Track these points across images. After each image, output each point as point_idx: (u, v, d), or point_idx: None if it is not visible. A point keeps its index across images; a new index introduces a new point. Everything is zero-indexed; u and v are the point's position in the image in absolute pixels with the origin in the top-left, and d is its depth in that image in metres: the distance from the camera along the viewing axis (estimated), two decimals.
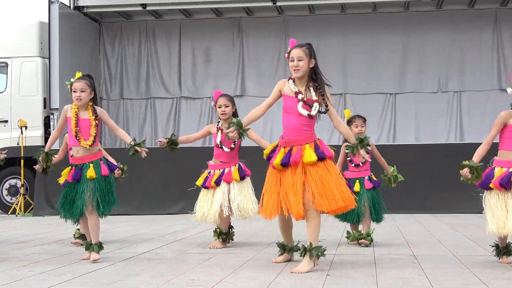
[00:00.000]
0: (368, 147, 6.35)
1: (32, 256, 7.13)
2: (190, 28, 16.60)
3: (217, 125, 8.02)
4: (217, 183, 7.82)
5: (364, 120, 7.96)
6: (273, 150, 6.26)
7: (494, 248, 6.49)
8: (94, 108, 6.92)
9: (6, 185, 14.38)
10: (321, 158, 6.05)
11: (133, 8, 15.86)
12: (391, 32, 15.98)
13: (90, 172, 6.69)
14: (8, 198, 14.33)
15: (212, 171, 7.97)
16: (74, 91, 6.86)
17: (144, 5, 15.50)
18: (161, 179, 12.91)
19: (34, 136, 13.80)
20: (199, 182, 8.09)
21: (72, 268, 6.21)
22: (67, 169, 6.94)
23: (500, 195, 6.19)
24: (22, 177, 13.68)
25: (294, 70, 6.20)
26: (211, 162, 8.07)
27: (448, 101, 15.74)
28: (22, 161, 13.61)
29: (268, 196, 6.19)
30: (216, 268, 6.14)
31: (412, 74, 15.92)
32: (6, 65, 14.53)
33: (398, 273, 5.77)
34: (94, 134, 6.84)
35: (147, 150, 6.88)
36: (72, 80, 7.05)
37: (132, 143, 6.91)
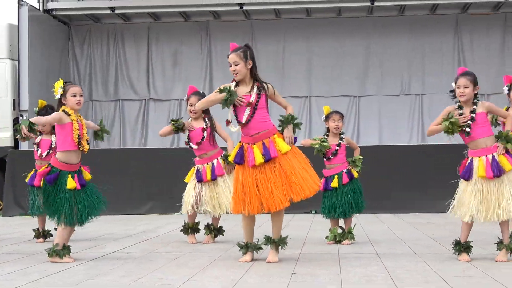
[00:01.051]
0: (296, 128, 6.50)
1: (0, 256, 7.06)
2: (158, 31, 16.58)
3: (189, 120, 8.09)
4: (213, 178, 7.94)
5: (342, 116, 7.99)
6: (241, 150, 6.32)
7: (454, 245, 6.53)
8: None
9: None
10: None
11: (102, 11, 15.85)
12: (355, 36, 16.07)
13: (71, 184, 6.60)
14: None
15: (201, 166, 7.99)
16: (74, 95, 6.83)
17: (112, 8, 15.49)
18: (130, 181, 12.83)
19: (3, 137, 13.66)
20: (187, 179, 8.15)
21: (41, 268, 6.15)
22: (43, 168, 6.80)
23: (479, 184, 6.23)
24: None
25: (234, 74, 6.40)
26: (197, 158, 8.11)
27: (410, 103, 15.88)
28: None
29: (248, 195, 6.24)
30: (184, 267, 6.12)
31: (375, 77, 16.03)
32: None
33: (361, 271, 5.79)
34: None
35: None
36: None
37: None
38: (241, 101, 6.30)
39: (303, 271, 5.82)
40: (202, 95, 8.07)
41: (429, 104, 15.72)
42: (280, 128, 6.43)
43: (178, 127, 7.99)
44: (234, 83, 6.45)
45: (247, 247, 6.55)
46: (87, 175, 6.86)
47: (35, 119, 6.72)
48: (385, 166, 12.17)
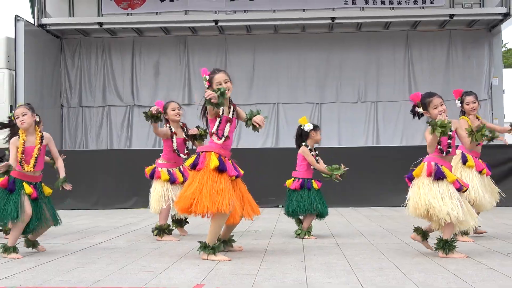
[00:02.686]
0: None
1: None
2: (142, 44, 16.52)
3: (171, 130, 7.85)
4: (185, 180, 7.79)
5: (319, 129, 7.98)
6: (222, 161, 6.12)
7: (413, 229, 6.42)
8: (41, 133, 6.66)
9: None
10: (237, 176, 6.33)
11: (91, 26, 15.77)
12: (317, 49, 16.13)
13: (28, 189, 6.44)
14: None
15: (171, 169, 7.81)
16: (17, 117, 6.55)
17: (100, 24, 15.45)
18: (115, 178, 12.78)
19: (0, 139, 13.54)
20: (164, 177, 7.75)
21: (35, 258, 6.13)
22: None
23: (445, 185, 6.07)
24: None
25: (228, 90, 6.31)
26: (159, 161, 7.88)
27: (366, 110, 15.96)
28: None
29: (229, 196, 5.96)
30: (165, 256, 6.13)
31: (335, 86, 16.09)
32: None
33: (323, 259, 5.83)
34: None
35: (71, 186, 6.64)
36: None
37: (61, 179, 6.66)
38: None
39: (271, 259, 5.85)
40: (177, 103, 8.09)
41: (383, 110, 15.83)
42: (248, 121, 6.61)
43: (150, 116, 7.70)
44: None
45: (225, 242, 6.42)
46: (47, 190, 6.62)
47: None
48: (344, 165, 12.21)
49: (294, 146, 7.97)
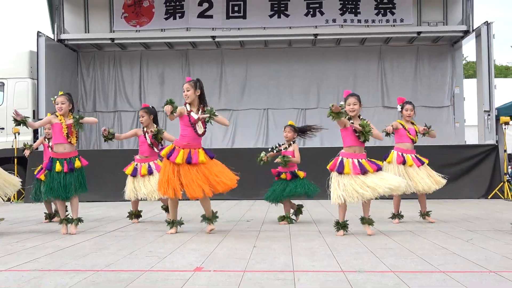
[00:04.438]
0: None
1: (23, 234, 6.99)
2: (149, 57, 16.51)
3: (143, 130, 8.24)
4: (149, 172, 8.09)
5: (292, 127, 8.17)
6: (172, 150, 6.68)
7: (335, 224, 6.75)
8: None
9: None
10: (211, 157, 6.73)
11: (104, 41, 15.80)
12: (302, 62, 16.17)
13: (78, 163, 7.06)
14: None
15: (139, 164, 8.19)
16: (57, 104, 7.12)
17: (112, 39, 15.49)
18: (125, 174, 12.69)
19: (25, 140, 13.49)
20: (128, 171, 8.31)
21: (55, 244, 6.11)
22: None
23: (352, 178, 6.45)
24: (15, 172, 13.35)
25: (185, 98, 6.78)
26: (137, 157, 8.28)
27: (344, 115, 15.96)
28: (15, 159, 13.37)
29: (168, 182, 6.58)
30: (169, 242, 6.12)
31: (317, 94, 16.13)
32: (3, 84, 14.26)
33: (307, 245, 5.84)
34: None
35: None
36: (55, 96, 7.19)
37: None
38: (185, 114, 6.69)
39: (262, 245, 5.85)
40: (151, 109, 8.37)
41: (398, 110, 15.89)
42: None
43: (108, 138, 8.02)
44: (187, 105, 6.79)
45: (173, 223, 6.92)
46: (77, 163, 7.05)
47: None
48: (325, 163, 12.23)
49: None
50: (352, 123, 6.65)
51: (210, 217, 6.93)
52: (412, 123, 8.07)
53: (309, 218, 8.43)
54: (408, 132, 7.92)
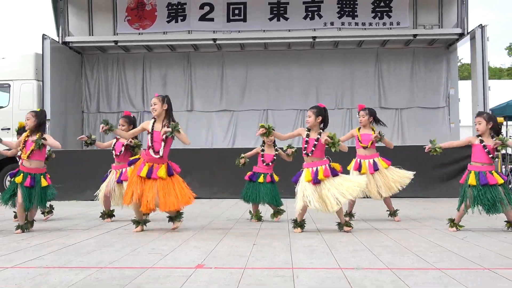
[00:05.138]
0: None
1: (28, 232, 6.99)
2: (151, 59, 16.50)
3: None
4: (118, 181, 8.12)
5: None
6: (135, 160, 6.97)
7: (293, 222, 6.86)
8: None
9: (8, 178, 14.08)
10: (170, 174, 6.77)
11: (108, 43, 15.78)
12: (301, 64, 16.16)
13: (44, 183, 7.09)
14: None
15: (113, 171, 8.28)
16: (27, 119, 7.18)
17: (116, 42, 15.47)
18: None
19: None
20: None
21: (60, 241, 6.11)
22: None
23: (312, 187, 6.56)
24: None
25: (152, 111, 6.93)
26: (114, 164, 8.33)
27: (343, 116, 15.99)
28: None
29: (132, 189, 6.73)
30: (171, 240, 6.12)
31: (316, 95, 16.10)
32: (9, 86, 14.25)
33: (306, 242, 5.84)
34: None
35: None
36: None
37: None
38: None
39: (262, 242, 5.86)
40: (131, 118, 8.46)
41: (357, 116, 15.86)
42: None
43: (90, 142, 8.14)
44: (153, 120, 6.95)
45: (138, 222, 7.02)
46: (44, 182, 7.07)
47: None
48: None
49: (281, 146, 8.13)
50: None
51: (175, 217, 7.04)
52: (372, 129, 8.02)
53: (307, 217, 8.42)
54: (359, 139, 7.93)
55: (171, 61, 16.42)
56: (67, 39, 15.42)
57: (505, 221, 6.85)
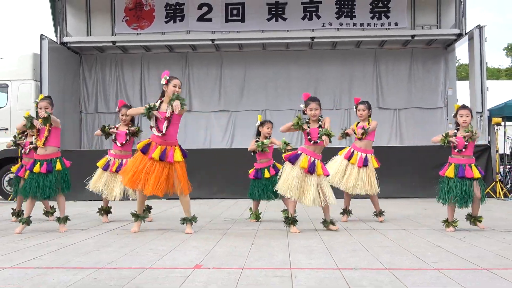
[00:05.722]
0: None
1: (27, 233, 6.98)
2: (149, 59, 16.49)
3: (116, 125, 8.39)
4: (117, 171, 8.00)
5: (271, 123, 8.20)
6: (148, 145, 6.67)
7: (285, 219, 6.92)
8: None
9: (6, 178, 14.06)
10: (184, 156, 6.70)
11: (106, 44, 15.77)
12: (299, 64, 16.16)
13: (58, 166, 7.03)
14: (8, 188, 14.02)
15: (112, 159, 8.17)
16: (40, 108, 7.11)
17: (114, 42, 15.47)
18: None
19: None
20: (100, 164, 8.23)
21: (58, 241, 6.10)
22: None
23: (304, 176, 6.67)
24: None
25: (176, 91, 6.68)
26: (111, 151, 8.25)
27: (341, 116, 15.99)
28: (19, 159, 13.35)
29: (137, 174, 6.59)
30: (169, 240, 6.12)
31: (314, 95, 16.02)
32: (7, 86, 14.24)
33: (304, 243, 5.84)
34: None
35: None
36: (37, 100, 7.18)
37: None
38: (157, 116, 6.64)
39: (260, 243, 5.86)
40: (129, 107, 8.35)
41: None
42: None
43: (106, 132, 8.16)
44: (159, 101, 6.76)
45: (138, 216, 6.94)
46: (58, 165, 7.02)
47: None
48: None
49: (255, 134, 8.18)
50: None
51: (189, 218, 6.89)
52: (368, 123, 8.13)
53: (306, 217, 8.43)
54: (355, 132, 8.00)
55: (169, 62, 16.40)
56: (65, 39, 15.41)
57: (468, 214, 6.92)
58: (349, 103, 15.89)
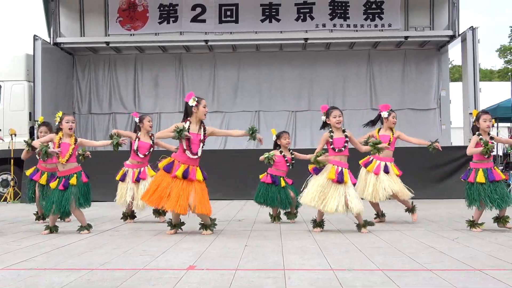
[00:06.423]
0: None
1: (19, 234, 6.95)
2: (143, 60, 16.48)
3: (137, 134, 8.18)
4: (137, 180, 8.02)
5: (287, 133, 8.21)
6: (171, 163, 6.66)
7: (312, 221, 6.98)
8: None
9: None
10: (204, 178, 6.68)
11: (99, 44, 15.76)
12: (293, 65, 16.18)
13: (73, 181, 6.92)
14: (0, 189, 13.95)
15: (130, 170, 8.14)
16: (67, 122, 6.99)
17: (107, 43, 15.45)
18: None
19: (21, 141, 13.42)
20: (118, 177, 8.24)
21: (51, 243, 6.08)
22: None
23: (331, 184, 6.69)
24: (12, 173, 13.34)
25: (205, 115, 6.77)
26: (127, 162, 8.21)
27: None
28: (12, 160, 13.31)
29: (157, 192, 6.57)
30: (162, 241, 6.10)
31: (308, 97, 16.14)
32: (0, 86, 14.18)
33: (298, 243, 5.84)
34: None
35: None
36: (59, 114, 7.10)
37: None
38: (188, 137, 6.63)
39: (253, 244, 5.85)
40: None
41: (349, 117, 15.78)
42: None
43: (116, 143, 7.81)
44: (188, 122, 6.72)
45: (174, 226, 6.86)
46: (73, 180, 6.94)
47: (35, 143, 7.18)
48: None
49: (272, 147, 8.12)
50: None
51: (209, 225, 6.85)
52: (392, 131, 8.08)
53: (299, 218, 8.43)
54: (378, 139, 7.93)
55: (163, 62, 16.40)
56: (59, 40, 15.38)
57: (495, 217, 6.95)
58: (342, 104, 15.90)
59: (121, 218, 8.38)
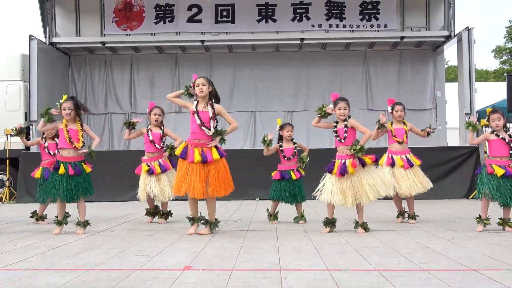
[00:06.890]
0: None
1: (15, 234, 6.93)
2: (139, 60, 16.48)
3: (147, 127, 8.12)
4: (164, 170, 7.96)
5: (292, 126, 8.18)
6: (185, 149, 6.55)
7: (323, 221, 6.92)
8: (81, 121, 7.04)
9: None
10: (221, 156, 6.57)
11: (95, 44, 15.75)
12: (289, 65, 16.20)
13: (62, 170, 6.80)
14: None
15: (150, 163, 8.01)
16: (64, 109, 6.87)
17: (103, 43, 15.44)
18: (116, 175, 12.70)
19: (17, 141, 13.35)
20: (145, 170, 8.04)
21: (46, 243, 6.06)
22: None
23: (337, 179, 6.71)
24: (7, 173, 13.31)
25: (199, 92, 6.58)
26: (145, 157, 8.11)
27: (331, 117, 15.93)
28: (7, 160, 13.27)
29: (183, 180, 6.47)
30: (159, 242, 6.09)
31: (304, 97, 16.16)
32: None
33: (294, 244, 5.83)
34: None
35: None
36: (60, 101, 6.90)
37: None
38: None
39: (249, 244, 5.84)
40: (161, 109, 8.26)
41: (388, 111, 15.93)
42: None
43: (130, 124, 8.08)
44: (195, 101, 6.64)
45: (193, 219, 6.76)
46: (87, 168, 6.95)
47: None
48: (313, 163, 12.27)
49: (277, 139, 8.13)
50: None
51: (211, 222, 6.78)
52: (404, 123, 8.02)
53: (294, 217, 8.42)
54: (393, 133, 7.92)
55: (159, 63, 16.40)
56: (54, 40, 15.37)
57: (500, 218, 6.95)
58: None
59: (145, 215, 8.29)
